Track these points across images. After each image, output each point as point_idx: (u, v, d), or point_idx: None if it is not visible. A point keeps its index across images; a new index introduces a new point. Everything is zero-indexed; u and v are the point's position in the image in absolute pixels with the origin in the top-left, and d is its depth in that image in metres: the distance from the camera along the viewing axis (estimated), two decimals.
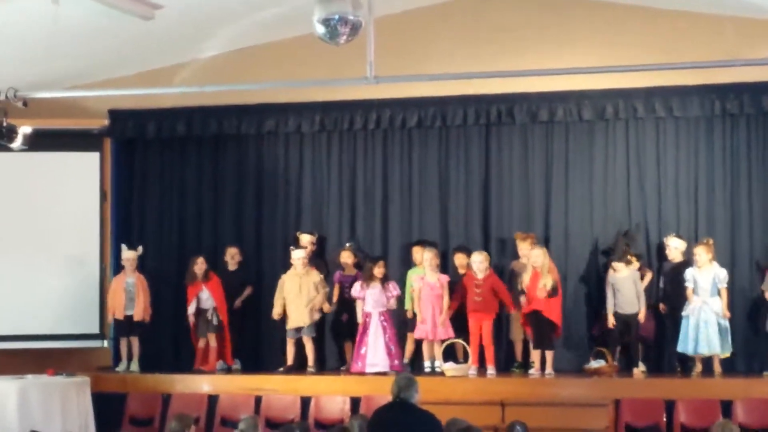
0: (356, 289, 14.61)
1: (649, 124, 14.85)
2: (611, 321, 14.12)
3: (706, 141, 14.71)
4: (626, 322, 14.11)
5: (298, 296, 14.75)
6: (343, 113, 15.49)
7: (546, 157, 15.24)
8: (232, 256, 15.55)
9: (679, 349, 13.90)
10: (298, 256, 14.88)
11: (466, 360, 14.33)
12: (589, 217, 15.02)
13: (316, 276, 14.86)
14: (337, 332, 15.24)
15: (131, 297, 15.24)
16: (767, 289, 13.83)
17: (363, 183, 15.76)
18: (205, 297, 15.18)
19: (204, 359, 15.18)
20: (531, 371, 14.18)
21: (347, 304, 14.93)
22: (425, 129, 15.45)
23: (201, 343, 15.20)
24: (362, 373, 14.23)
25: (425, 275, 14.50)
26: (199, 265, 15.20)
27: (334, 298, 15.10)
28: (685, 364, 14.08)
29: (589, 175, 15.08)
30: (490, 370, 14.22)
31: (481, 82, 14.36)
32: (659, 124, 14.83)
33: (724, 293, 13.85)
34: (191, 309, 15.15)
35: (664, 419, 13.11)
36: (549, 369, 14.06)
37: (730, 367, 13.97)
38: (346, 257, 15.04)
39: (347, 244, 15.27)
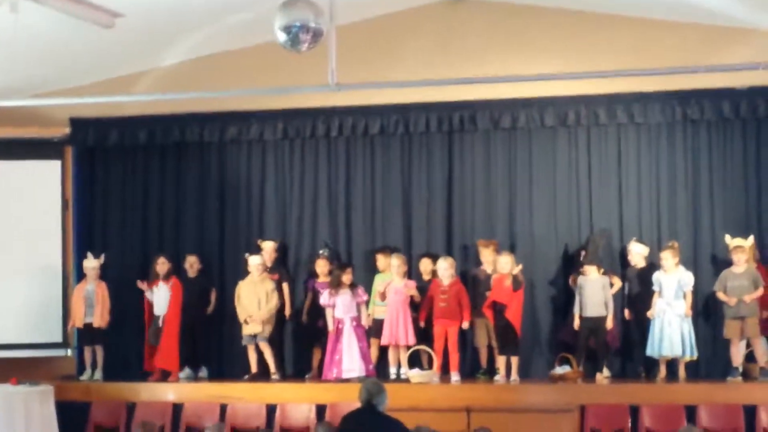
0: (325, 297, 14.54)
1: (611, 130, 14.86)
2: (576, 323, 14.12)
3: (668, 147, 14.71)
4: (592, 327, 14.12)
5: (252, 303, 14.73)
6: (305, 121, 15.42)
7: (509, 164, 15.21)
8: (191, 264, 15.44)
9: (647, 352, 13.90)
10: (254, 263, 14.86)
11: (431, 367, 14.30)
12: (554, 223, 14.98)
13: (269, 284, 14.81)
14: (309, 339, 15.13)
15: (90, 304, 15.11)
16: (719, 290, 13.88)
17: (326, 190, 15.67)
18: (159, 299, 15.07)
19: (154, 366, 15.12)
20: (496, 377, 14.13)
21: (321, 312, 14.83)
22: (388, 136, 15.41)
23: (153, 351, 15.15)
24: (339, 380, 14.19)
25: (393, 281, 14.46)
26: (161, 265, 15.15)
27: (307, 305, 15.12)
28: (650, 370, 14.11)
29: (552, 181, 15.04)
30: (455, 376, 14.15)
31: (443, 89, 14.41)
32: (621, 130, 14.84)
33: (689, 296, 13.85)
34: (148, 295, 15.16)
35: (629, 425, 13.11)
36: (514, 375, 14.02)
37: (694, 372, 13.97)
38: (322, 265, 14.95)
39: (321, 252, 15.21)
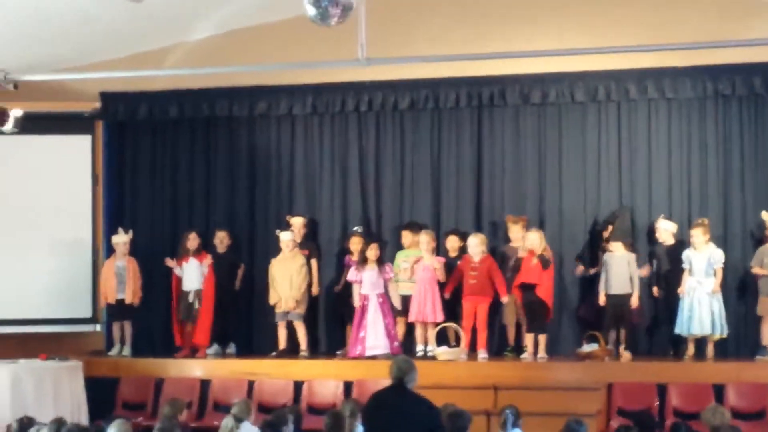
0: (352, 273, 14.50)
1: (641, 105, 14.75)
2: (602, 300, 14.00)
3: (699, 122, 14.63)
4: (617, 304, 13.97)
5: (284, 280, 14.71)
6: (334, 95, 15.39)
7: (538, 139, 15.14)
8: (220, 240, 15.42)
9: (676, 330, 13.82)
10: (285, 238, 14.85)
11: (458, 344, 14.25)
12: (583, 199, 14.94)
13: (300, 259, 14.80)
14: (341, 316, 15.15)
15: (122, 281, 15.16)
16: (756, 266, 13.74)
17: (356, 166, 15.64)
18: (189, 275, 15.08)
19: (188, 342, 15.19)
20: (524, 355, 14.11)
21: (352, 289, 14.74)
22: (417, 111, 15.35)
23: (184, 326, 15.23)
24: (362, 357, 14.14)
25: (422, 258, 14.40)
26: (191, 241, 15.18)
27: (342, 282, 15.07)
28: (678, 348, 14.04)
29: (581, 157, 14.98)
30: (482, 354, 14.10)
31: (473, 64, 14.21)
32: (651, 105, 14.74)
33: (719, 273, 13.73)
34: (177, 271, 15.17)
35: (657, 403, 13.04)
36: (542, 353, 13.99)
37: (722, 350, 13.90)
38: (356, 243, 14.87)
39: (354, 229, 15.15)
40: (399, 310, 14.54)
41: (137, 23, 14.20)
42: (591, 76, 14.60)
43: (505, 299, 14.18)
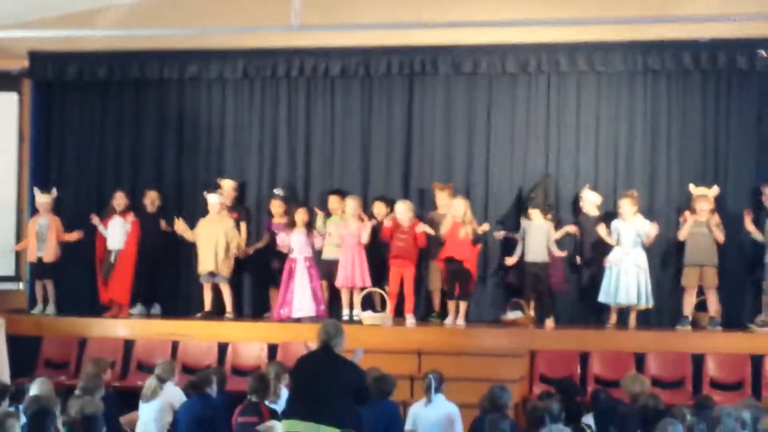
0: (281, 237, 14.44)
1: (571, 78, 14.80)
2: (511, 262, 14.19)
3: (628, 96, 14.68)
4: (535, 272, 14.07)
5: (209, 241, 14.56)
6: (266, 61, 15.24)
7: (468, 109, 15.12)
8: (152, 201, 15.28)
9: (600, 299, 13.88)
10: (212, 201, 14.74)
11: (383, 309, 14.25)
12: (509, 169, 14.97)
13: (229, 221, 14.71)
14: (266, 280, 15.06)
15: (42, 239, 14.97)
16: (684, 237, 13.84)
17: (286, 131, 15.53)
18: (114, 233, 14.92)
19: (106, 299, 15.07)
20: (446, 321, 14.13)
21: (279, 252, 14.70)
22: (348, 78, 15.28)
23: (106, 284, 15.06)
24: (288, 319, 14.13)
25: (348, 223, 14.36)
26: (117, 200, 15.03)
27: (260, 244, 15.07)
28: (600, 316, 14.11)
29: (510, 128, 14.99)
30: (410, 319, 14.14)
31: (405, 33, 14.25)
32: (581, 78, 14.79)
33: (651, 240, 13.82)
34: (102, 230, 15.02)
35: (578, 371, 13.14)
36: (461, 320, 14.02)
37: (644, 320, 14.02)
38: (277, 206, 14.83)
39: (276, 192, 15.05)
40: (324, 275, 14.57)
41: None
42: (522, 48, 14.60)
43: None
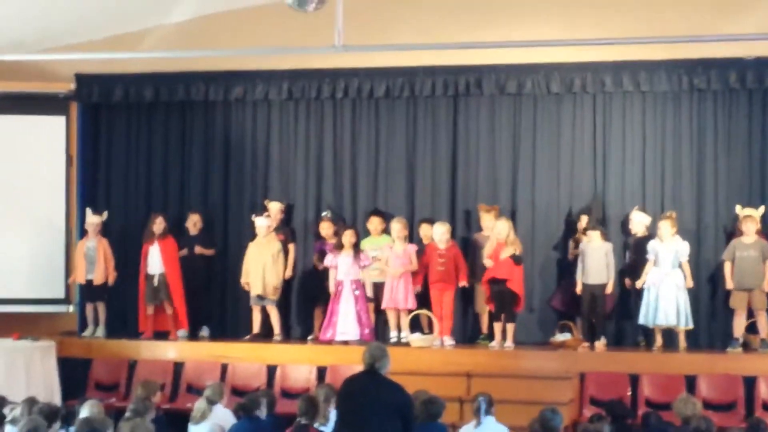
0: (328, 259, 14.42)
1: (617, 97, 14.75)
2: (579, 288, 14.04)
3: (674, 116, 14.59)
4: (593, 293, 13.99)
5: (258, 264, 14.61)
6: (310, 81, 15.29)
7: (513, 129, 15.10)
8: (194, 223, 15.34)
9: (640, 321, 13.80)
10: (260, 224, 14.77)
11: (432, 331, 14.23)
12: (556, 190, 14.92)
13: (275, 245, 14.72)
14: (312, 300, 15.08)
15: (92, 261, 15.03)
16: (728, 259, 13.76)
17: (331, 152, 15.56)
18: (154, 259, 14.98)
19: (151, 325, 15.10)
20: (492, 343, 14.09)
21: (326, 273, 14.70)
22: (393, 99, 15.29)
23: (149, 310, 15.10)
24: (332, 342, 14.15)
25: (393, 245, 14.39)
26: (158, 224, 15.01)
27: (315, 263, 15.07)
28: (649, 338, 14.04)
29: (556, 148, 14.95)
30: (448, 340, 14.16)
31: (449, 53, 14.21)
32: (626, 98, 14.72)
33: (686, 266, 13.70)
34: (143, 269, 15.03)
35: (629, 393, 13.07)
36: (509, 342, 13.92)
37: (694, 342, 13.94)
38: (326, 228, 14.86)
39: (323, 214, 15.07)
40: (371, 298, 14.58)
41: (115, 4, 14.26)
42: (567, 68, 14.57)
43: (462, 283, 14.22)
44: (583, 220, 14.35)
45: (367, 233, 14.95)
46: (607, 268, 13.95)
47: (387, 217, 14.79)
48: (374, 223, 14.81)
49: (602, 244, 14.02)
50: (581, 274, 14.03)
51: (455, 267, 14.18)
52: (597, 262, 13.96)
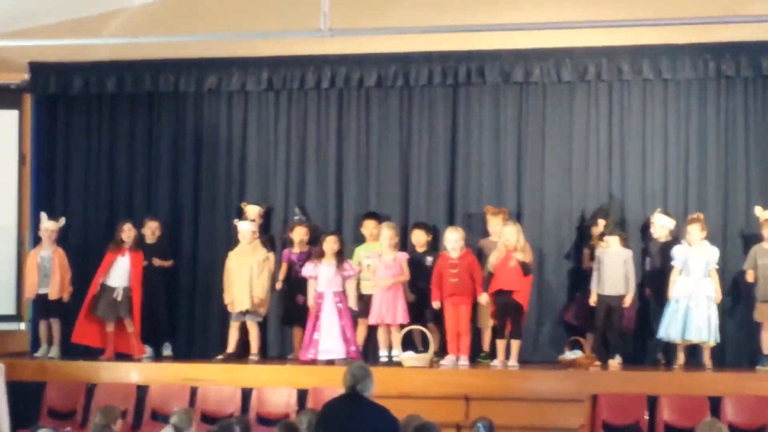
0: (308, 268, 14.46)
1: (636, 86, 14.81)
2: (593, 300, 14.10)
3: (699, 106, 14.70)
4: (609, 306, 14.05)
5: (243, 276, 14.62)
6: (293, 70, 15.36)
7: (520, 123, 15.18)
8: (152, 231, 15.34)
9: (661, 335, 13.87)
10: (244, 228, 14.78)
11: (426, 349, 14.25)
12: (568, 191, 15.01)
13: (261, 252, 14.75)
14: (287, 317, 15.17)
15: (46, 273, 15.04)
16: (749, 268, 13.85)
17: (315, 149, 15.64)
18: (120, 271, 14.99)
19: (112, 344, 15.05)
20: (494, 362, 14.16)
21: (300, 285, 14.80)
22: (385, 89, 15.39)
23: (108, 327, 15.02)
24: (315, 362, 14.15)
25: (382, 253, 14.41)
26: (127, 232, 15.03)
27: (280, 278, 15.05)
28: (669, 355, 14.13)
29: (567, 144, 15.04)
30: (463, 361, 14.16)
31: (448, 38, 14.38)
32: (647, 86, 14.79)
33: (715, 275, 13.78)
34: (98, 278, 14.96)
35: (646, 417, 13.08)
36: (513, 360, 14.00)
37: (719, 359, 13.98)
38: (302, 233, 14.96)
39: (296, 218, 15.17)
40: (360, 311, 14.62)
41: None
42: (580, 53, 14.66)
43: (482, 299, 14.18)
44: (600, 225, 14.41)
45: (357, 239, 15.07)
46: (626, 278, 14.01)
47: (384, 221, 14.83)
48: (369, 227, 14.87)
49: (621, 250, 14.07)
50: (597, 284, 14.08)
51: (470, 278, 14.21)
52: (615, 271, 14.00)
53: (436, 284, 14.28)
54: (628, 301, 14.05)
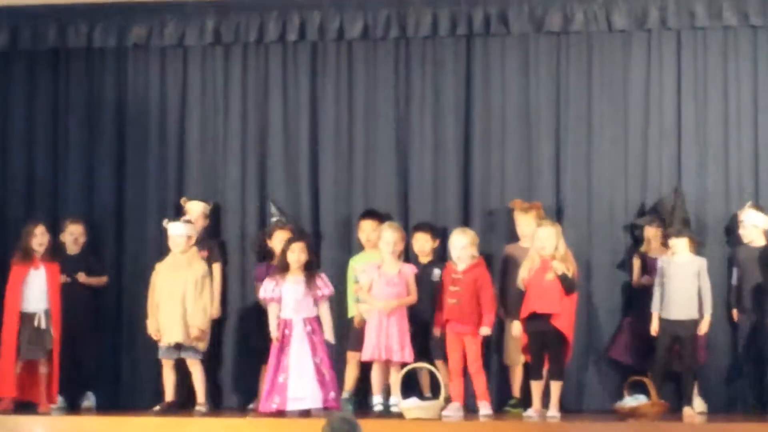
0: (267, 288, 13.82)
1: (714, 36, 14.38)
2: (655, 327, 13.48)
3: None
4: (677, 335, 13.43)
5: (174, 296, 14.10)
6: (248, 18, 14.96)
7: (557, 86, 14.71)
8: (74, 237, 14.85)
9: None
10: (177, 232, 14.22)
11: (435, 395, 13.69)
12: (622, 179, 14.52)
13: (199, 266, 14.25)
14: (254, 352, 14.52)
15: None
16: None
17: (280, 123, 15.16)
18: (34, 290, 14.24)
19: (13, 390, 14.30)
20: (528, 412, 13.55)
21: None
22: (374, 42, 14.99)
23: (16, 368, 14.30)
24: (280, 413, 13.44)
25: (382, 264, 13.84)
26: (39, 238, 14.32)
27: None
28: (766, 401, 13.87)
29: (621, 115, 14.56)
30: (484, 409, 13.53)
31: None
32: (729, 36, 14.35)
33: None
34: (13, 304, 14.34)
35: None
36: (553, 409, 13.35)
37: None
38: (281, 239, 14.12)
39: (273, 220, 14.64)
40: (350, 343, 14.17)
41: None
42: None
43: (484, 330, 13.62)
44: (655, 225, 14.06)
45: (345, 247, 14.69)
46: (701, 296, 13.41)
47: (383, 221, 14.43)
48: (367, 230, 14.40)
49: (692, 259, 13.54)
50: (659, 305, 13.49)
51: (477, 299, 13.57)
52: (684, 287, 13.42)
53: (439, 305, 13.82)
54: (704, 328, 13.50)
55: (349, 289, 14.23)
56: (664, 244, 13.76)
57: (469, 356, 13.56)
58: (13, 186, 15.50)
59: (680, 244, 13.45)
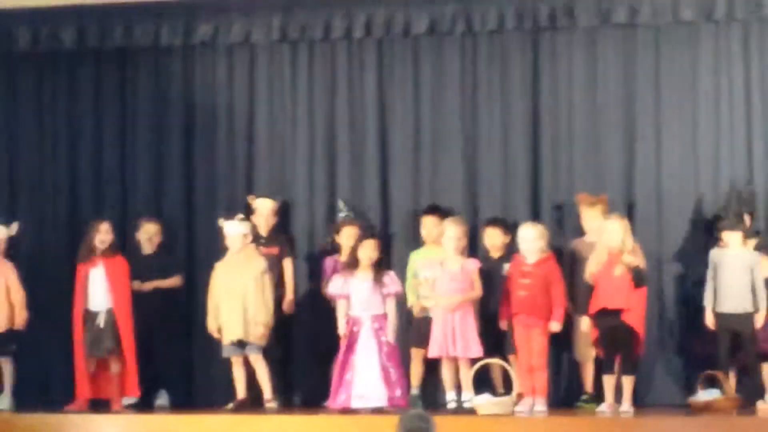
0: (336, 285, 14.01)
1: None
2: (709, 320, 13.56)
3: None
4: (733, 329, 13.53)
5: (234, 294, 14.21)
6: (315, 16, 15.08)
7: (624, 79, 14.72)
8: (149, 237, 15.05)
9: None
10: (233, 232, 14.36)
11: (508, 391, 13.75)
12: (692, 172, 14.53)
13: (258, 263, 14.33)
14: (323, 349, 14.64)
15: None
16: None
17: (347, 120, 15.28)
18: (96, 288, 14.49)
19: (92, 390, 14.52)
20: (600, 407, 13.58)
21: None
22: (440, 37, 15.00)
23: (90, 366, 14.52)
24: (347, 410, 13.63)
25: (445, 260, 13.88)
26: (102, 235, 14.54)
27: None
28: None
29: (691, 106, 14.56)
30: (540, 405, 13.57)
31: None
32: None
33: None
34: (80, 304, 14.53)
35: None
36: (626, 404, 13.41)
37: None
38: (353, 235, 14.33)
39: (341, 215, 14.78)
40: (415, 339, 14.20)
41: None
42: None
43: (554, 326, 13.70)
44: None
45: (414, 243, 14.64)
46: (755, 289, 13.46)
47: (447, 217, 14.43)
48: (429, 226, 14.46)
49: (746, 254, 13.61)
50: (712, 299, 13.59)
51: (547, 293, 13.63)
52: (737, 279, 13.48)
53: (505, 297, 13.88)
54: (760, 321, 13.53)
55: (408, 282, 14.26)
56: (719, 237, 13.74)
57: (535, 350, 13.62)
58: (83, 186, 15.67)
59: (733, 238, 13.48)
